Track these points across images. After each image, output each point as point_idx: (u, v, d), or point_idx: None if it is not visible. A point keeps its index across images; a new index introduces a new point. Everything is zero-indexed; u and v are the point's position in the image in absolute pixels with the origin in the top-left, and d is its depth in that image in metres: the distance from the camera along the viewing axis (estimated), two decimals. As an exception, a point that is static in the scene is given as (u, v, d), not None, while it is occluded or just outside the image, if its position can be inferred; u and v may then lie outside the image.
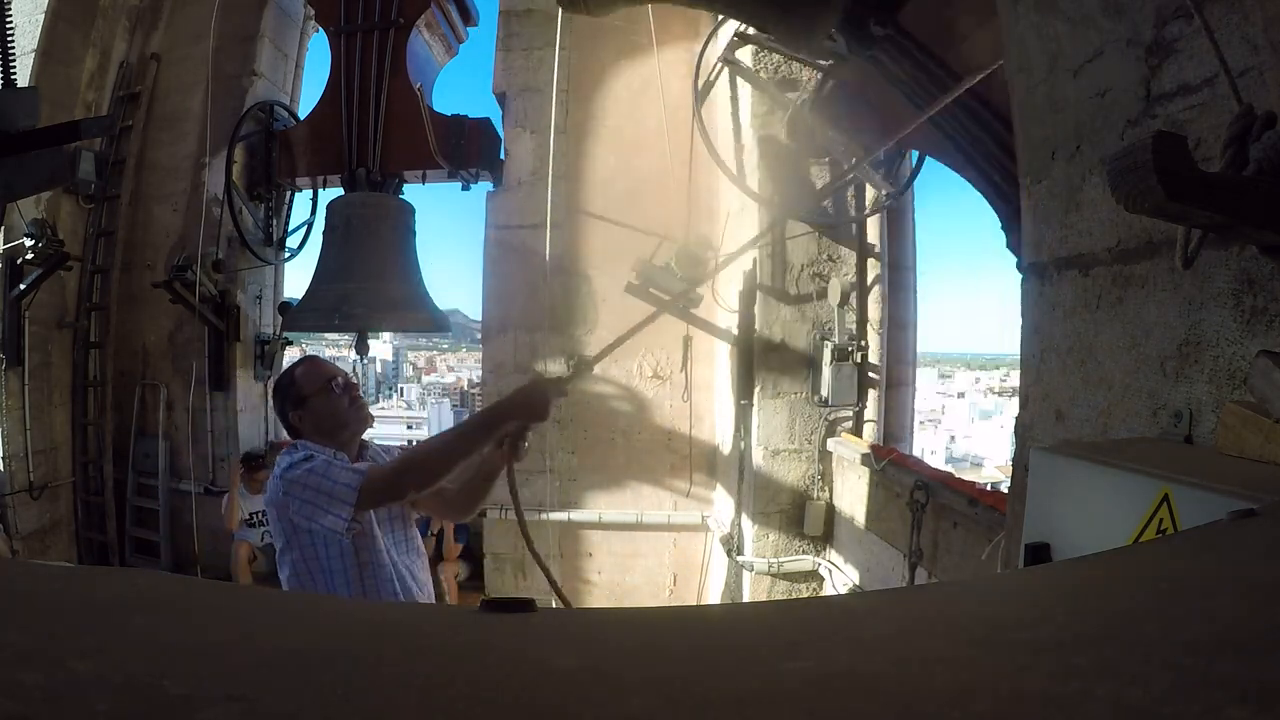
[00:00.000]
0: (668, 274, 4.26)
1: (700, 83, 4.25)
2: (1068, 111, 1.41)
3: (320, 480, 1.52)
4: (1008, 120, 1.64)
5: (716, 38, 4.27)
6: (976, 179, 2.55)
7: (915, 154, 3.88)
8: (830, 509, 4.00)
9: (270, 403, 5.86)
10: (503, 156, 5.05)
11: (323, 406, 1.71)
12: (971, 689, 0.32)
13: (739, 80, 4.21)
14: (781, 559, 3.99)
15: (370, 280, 4.67)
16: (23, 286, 4.80)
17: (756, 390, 4.02)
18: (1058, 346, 1.46)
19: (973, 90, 2.37)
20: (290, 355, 6.12)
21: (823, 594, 3.91)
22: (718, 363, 4.81)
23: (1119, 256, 1.30)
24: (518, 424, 1.59)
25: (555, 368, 4.92)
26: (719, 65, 4.29)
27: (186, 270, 4.94)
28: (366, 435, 1.86)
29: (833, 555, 3.97)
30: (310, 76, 6.24)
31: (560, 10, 3.98)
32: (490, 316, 5.16)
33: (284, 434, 5.91)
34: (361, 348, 4.90)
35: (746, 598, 4.06)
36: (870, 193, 4.09)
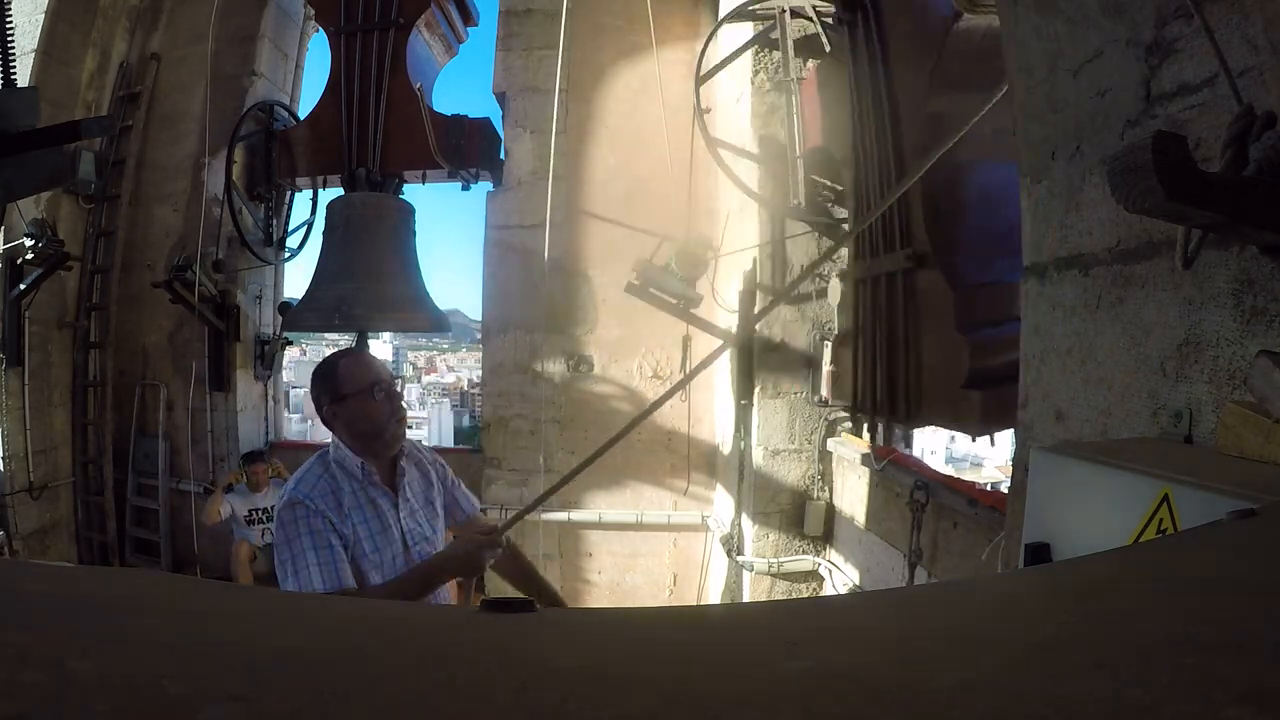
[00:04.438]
0: (668, 274, 4.25)
1: (700, 83, 4.25)
2: (1068, 111, 1.41)
3: (290, 564, 1.51)
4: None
5: (717, 38, 4.27)
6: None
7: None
8: (830, 509, 3.99)
9: (270, 402, 5.87)
10: (503, 156, 5.05)
11: (360, 410, 1.63)
12: (971, 689, 0.32)
13: (739, 80, 4.21)
14: (781, 559, 3.99)
15: (370, 280, 4.67)
16: (23, 286, 4.80)
17: (756, 390, 4.02)
18: (1058, 346, 1.46)
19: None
20: (290, 355, 6.13)
21: (823, 594, 3.91)
22: (717, 362, 4.81)
23: (1119, 256, 1.30)
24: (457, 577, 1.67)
25: (555, 368, 4.92)
26: (718, 65, 4.29)
27: (186, 270, 4.94)
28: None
29: (833, 555, 3.96)
30: (310, 76, 6.25)
31: (561, 10, 4.00)
32: (490, 316, 5.16)
33: (284, 434, 5.95)
34: (361, 347, 4.90)
35: (746, 598, 4.06)
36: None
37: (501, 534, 1.65)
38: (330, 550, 1.53)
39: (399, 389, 1.73)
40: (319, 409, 1.70)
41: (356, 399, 1.63)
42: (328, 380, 1.67)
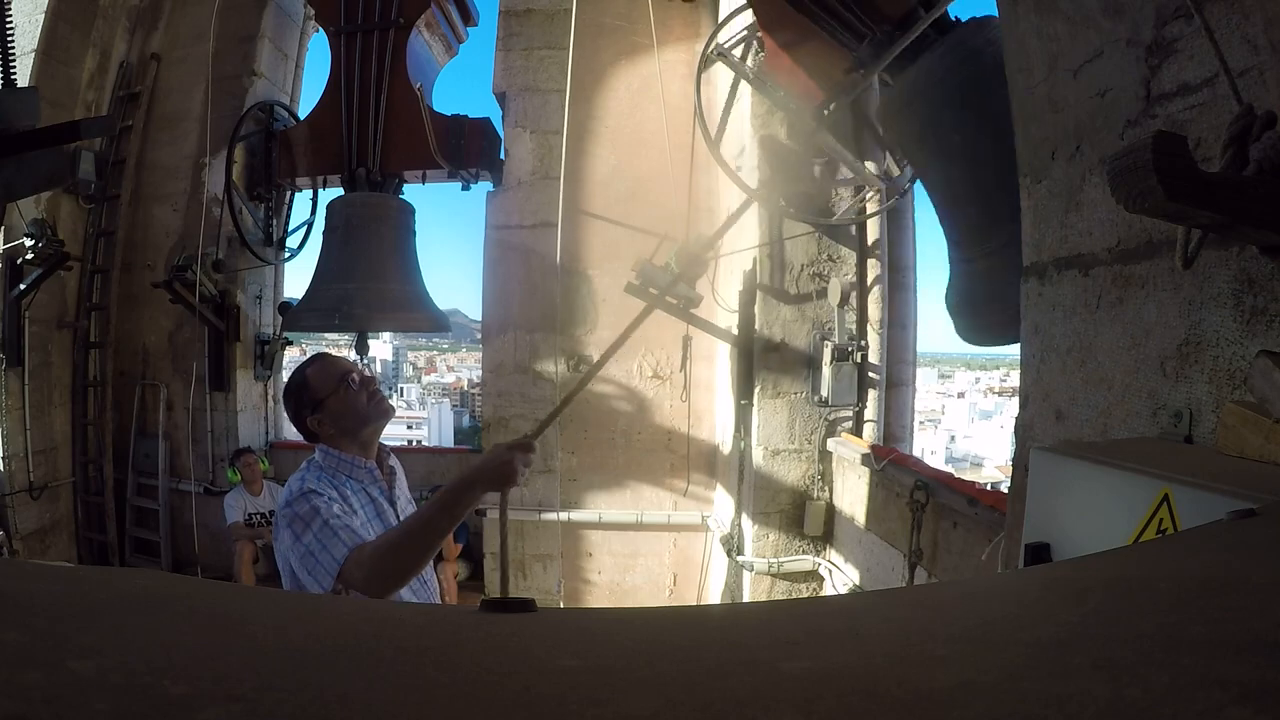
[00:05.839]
0: (668, 274, 4.25)
1: (700, 83, 4.25)
2: (1068, 111, 1.42)
3: (314, 541, 1.44)
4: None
5: (717, 38, 4.27)
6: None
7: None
8: (830, 509, 3.99)
9: (270, 402, 5.87)
10: (503, 156, 5.05)
11: (341, 406, 1.63)
12: (971, 689, 0.32)
13: (739, 80, 4.22)
14: (781, 559, 3.99)
15: (370, 280, 4.67)
16: (23, 286, 4.80)
17: (756, 390, 4.02)
18: (1058, 346, 1.46)
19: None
20: (290, 355, 6.12)
21: (823, 594, 3.91)
22: (717, 363, 4.81)
23: (1119, 256, 1.30)
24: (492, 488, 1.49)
25: (555, 368, 4.92)
26: (719, 66, 4.29)
27: (186, 270, 4.94)
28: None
29: (833, 555, 3.96)
30: (310, 76, 6.25)
31: (560, 10, 4.00)
32: (490, 316, 5.16)
33: (284, 434, 5.94)
34: (361, 348, 4.90)
35: (746, 598, 4.06)
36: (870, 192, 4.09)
37: (534, 439, 1.52)
38: (347, 516, 1.50)
39: (368, 374, 1.71)
40: (301, 425, 1.67)
41: (334, 398, 1.63)
42: (302, 392, 1.65)
